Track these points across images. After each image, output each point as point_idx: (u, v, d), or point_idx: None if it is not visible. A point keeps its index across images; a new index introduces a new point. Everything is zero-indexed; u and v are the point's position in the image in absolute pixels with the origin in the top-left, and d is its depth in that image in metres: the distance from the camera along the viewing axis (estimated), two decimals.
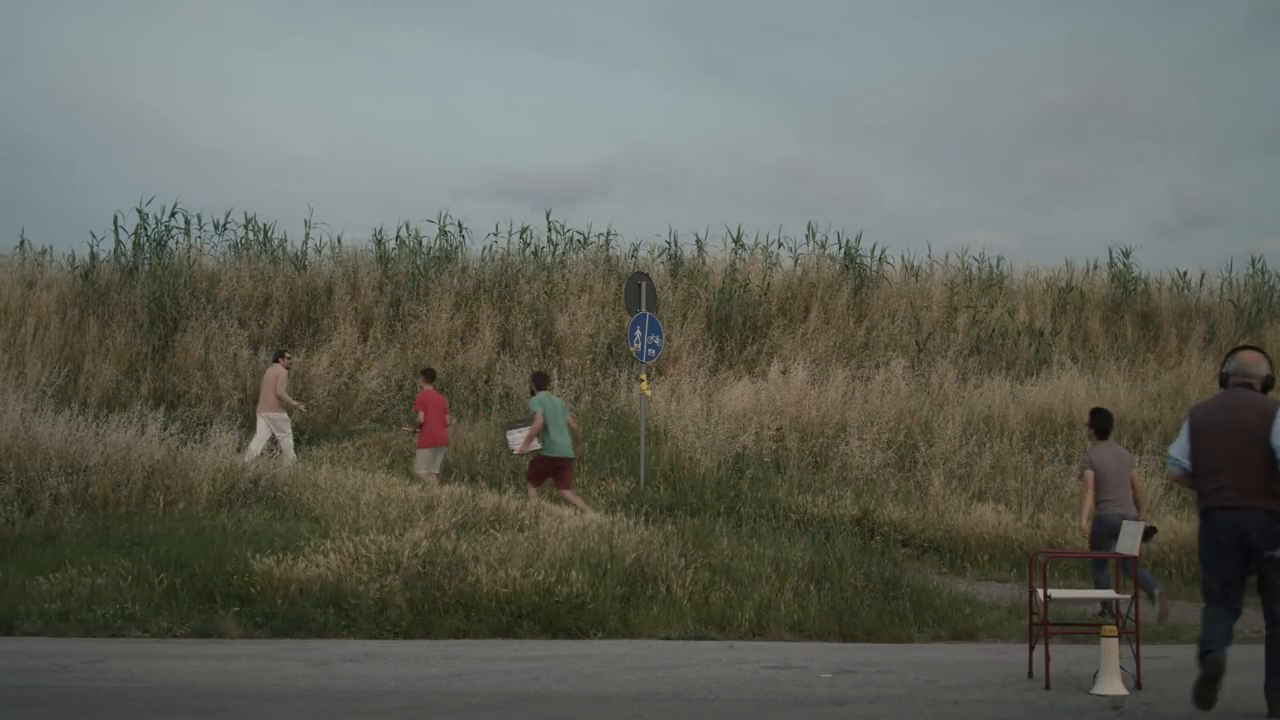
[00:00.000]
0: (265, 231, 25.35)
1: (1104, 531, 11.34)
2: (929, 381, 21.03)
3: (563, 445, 14.93)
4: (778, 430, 18.38)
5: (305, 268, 24.57)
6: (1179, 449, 7.41)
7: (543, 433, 14.86)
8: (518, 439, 15.24)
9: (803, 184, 59.83)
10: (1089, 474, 11.75)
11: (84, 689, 7.76)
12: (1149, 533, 9.26)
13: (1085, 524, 11.89)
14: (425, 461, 16.45)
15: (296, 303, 23.53)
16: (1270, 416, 6.94)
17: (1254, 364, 7.33)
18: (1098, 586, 11.47)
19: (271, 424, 17.30)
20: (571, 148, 60.16)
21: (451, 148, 58.33)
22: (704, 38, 63.02)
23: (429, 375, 17.60)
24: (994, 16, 61.37)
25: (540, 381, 15.75)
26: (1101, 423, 12.18)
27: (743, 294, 24.04)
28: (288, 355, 18.50)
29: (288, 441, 17.28)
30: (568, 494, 14.71)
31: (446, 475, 16.32)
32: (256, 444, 16.86)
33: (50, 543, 12.04)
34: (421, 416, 16.60)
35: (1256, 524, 6.98)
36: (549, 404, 15.10)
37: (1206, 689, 7.15)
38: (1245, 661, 9.50)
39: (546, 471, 14.96)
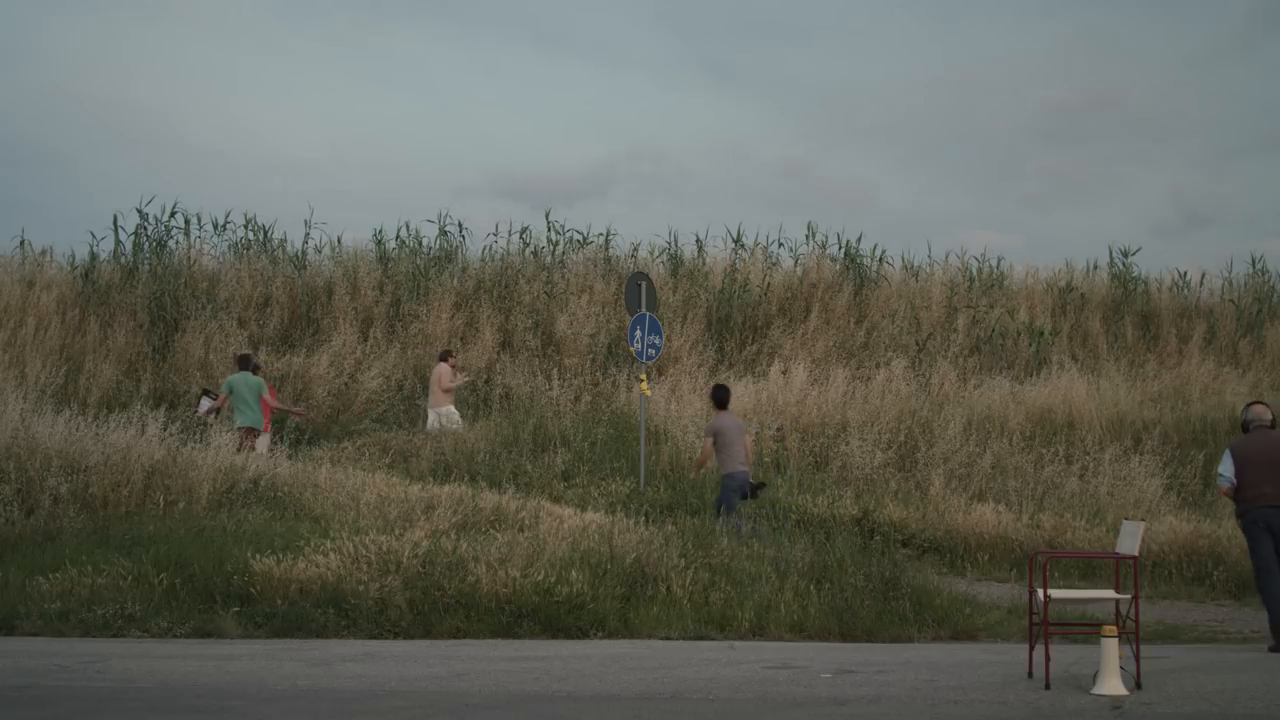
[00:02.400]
0: (265, 232, 25.38)
1: (731, 485, 14.15)
2: (929, 382, 21.03)
3: (252, 418, 17.27)
4: (778, 430, 18.37)
5: (305, 268, 24.57)
6: (1226, 469, 10.29)
7: (237, 407, 17.20)
8: (205, 405, 18.23)
9: (802, 184, 59.90)
10: (709, 440, 14.31)
11: (84, 689, 7.76)
12: (757, 489, 14.18)
13: (694, 473, 15.61)
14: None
15: (296, 303, 23.53)
16: None
17: (1264, 414, 10.48)
18: (726, 515, 13.85)
19: (442, 417, 18.79)
20: (571, 147, 60.24)
21: (451, 148, 58.39)
22: (703, 38, 63.07)
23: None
24: (993, 16, 61.42)
25: (243, 363, 18.01)
26: (720, 396, 14.83)
27: (743, 294, 24.04)
28: (454, 355, 20.34)
29: (458, 422, 18.92)
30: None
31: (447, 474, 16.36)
32: (432, 418, 18.97)
33: (50, 543, 12.03)
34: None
35: None
36: (239, 383, 17.36)
37: None
38: (1245, 661, 9.51)
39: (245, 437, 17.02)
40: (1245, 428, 10.43)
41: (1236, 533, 13.91)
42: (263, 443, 17.35)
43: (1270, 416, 10.41)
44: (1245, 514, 10.15)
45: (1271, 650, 9.84)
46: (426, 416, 19.51)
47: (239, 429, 16.87)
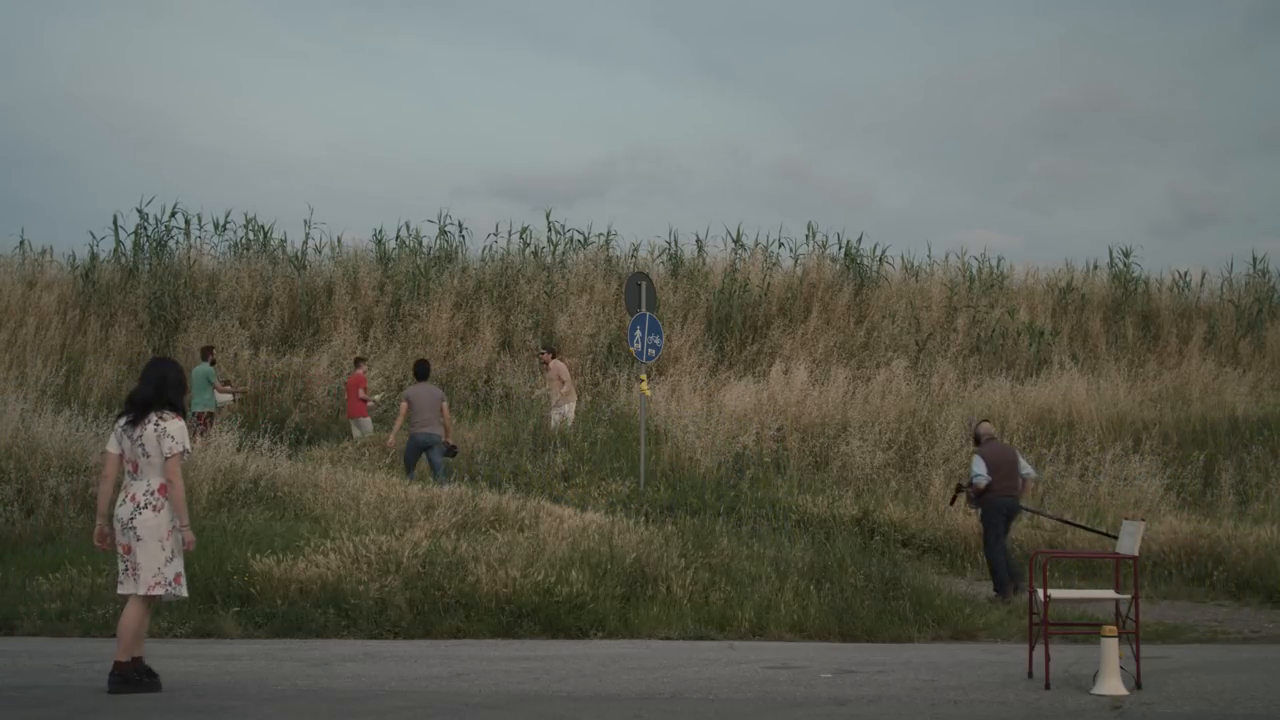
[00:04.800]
0: (265, 232, 25.38)
1: (414, 445, 15.99)
2: (929, 382, 21.03)
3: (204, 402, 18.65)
4: (778, 430, 18.37)
5: (305, 268, 24.58)
6: (980, 469, 12.75)
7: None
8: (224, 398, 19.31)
9: (801, 183, 59.94)
10: (404, 404, 16.18)
11: (84, 689, 7.76)
12: (451, 450, 16.17)
13: (392, 439, 16.82)
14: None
15: (296, 303, 23.54)
16: None
17: (991, 430, 13.46)
18: (410, 473, 15.77)
19: (560, 411, 18.83)
20: (570, 147, 60.28)
21: (451, 148, 58.44)
22: (702, 37, 63.10)
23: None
24: (992, 16, 61.43)
25: (203, 354, 19.51)
26: (420, 370, 16.77)
27: (743, 294, 24.04)
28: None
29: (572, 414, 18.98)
30: None
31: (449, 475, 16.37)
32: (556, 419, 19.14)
33: (50, 543, 12.04)
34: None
35: None
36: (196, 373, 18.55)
37: None
38: (1245, 661, 9.52)
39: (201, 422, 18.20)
40: (978, 440, 13.36)
41: (1237, 533, 13.95)
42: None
43: (994, 431, 13.77)
44: (990, 503, 12.82)
45: (991, 600, 12.18)
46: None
47: (194, 414, 18.10)
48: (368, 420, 19.58)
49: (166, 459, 7.58)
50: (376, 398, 20.15)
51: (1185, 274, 26.75)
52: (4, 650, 9.25)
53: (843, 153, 61.09)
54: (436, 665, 8.85)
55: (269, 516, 12.95)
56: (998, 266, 26.73)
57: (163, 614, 10.30)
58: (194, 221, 25.00)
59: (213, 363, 19.43)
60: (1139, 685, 7.98)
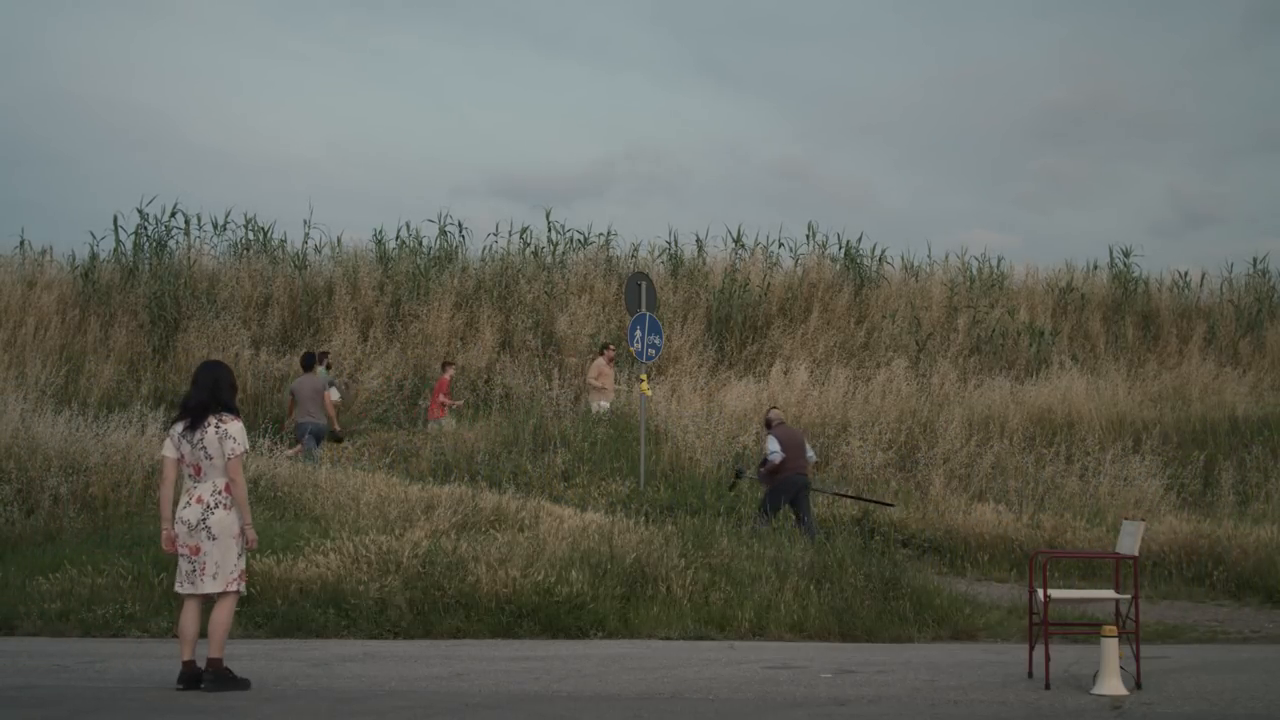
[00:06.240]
0: (265, 232, 25.38)
1: (301, 433, 17.15)
2: (929, 382, 21.03)
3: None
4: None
5: (305, 268, 24.57)
6: (775, 448, 13.98)
7: None
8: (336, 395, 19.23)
9: (800, 183, 59.92)
10: (290, 397, 17.65)
11: (84, 689, 7.76)
12: (336, 437, 17.83)
13: (285, 427, 17.80)
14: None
15: (296, 303, 23.53)
16: None
17: (780, 415, 14.94)
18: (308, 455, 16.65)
19: (599, 407, 18.93)
20: (569, 147, 60.29)
21: (451, 148, 58.43)
22: (701, 38, 63.09)
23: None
24: (991, 16, 61.43)
25: (320, 358, 19.58)
26: (305, 361, 18.05)
27: (743, 294, 24.03)
28: (612, 348, 20.21)
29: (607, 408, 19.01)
30: None
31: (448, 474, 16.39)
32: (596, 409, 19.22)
33: (50, 543, 12.03)
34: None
35: None
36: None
37: None
38: (1245, 661, 9.52)
39: None
40: (769, 425, 14.53)
41: (1237, 533, 13.95)
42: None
43: (783, 416, 15.18)
44: (782, 480, 14.02)
45: (752, 531, 13.18)
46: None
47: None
48: (448, 420, 19.53)
49: (229, 460, 7.74)
50: (459, 403, 20.20)
51: (1185, 274, 26.81)
52: (4, 650, 9.25)
53: (842, 153, 61.14)
54: (436, 665, 8.85)
55: (269, 516, 12.93)
56: (998, 266, 26.77)
57: (162, 614, 10.31)
58: (194, 221, 25.00)
59: (328, 366, 19.94)
60: (1139, 685, 7.98)
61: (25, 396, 15.96)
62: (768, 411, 15.25)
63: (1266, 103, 58.87)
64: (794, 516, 14.16)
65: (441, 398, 19.72)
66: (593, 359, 20.14)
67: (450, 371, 20.28)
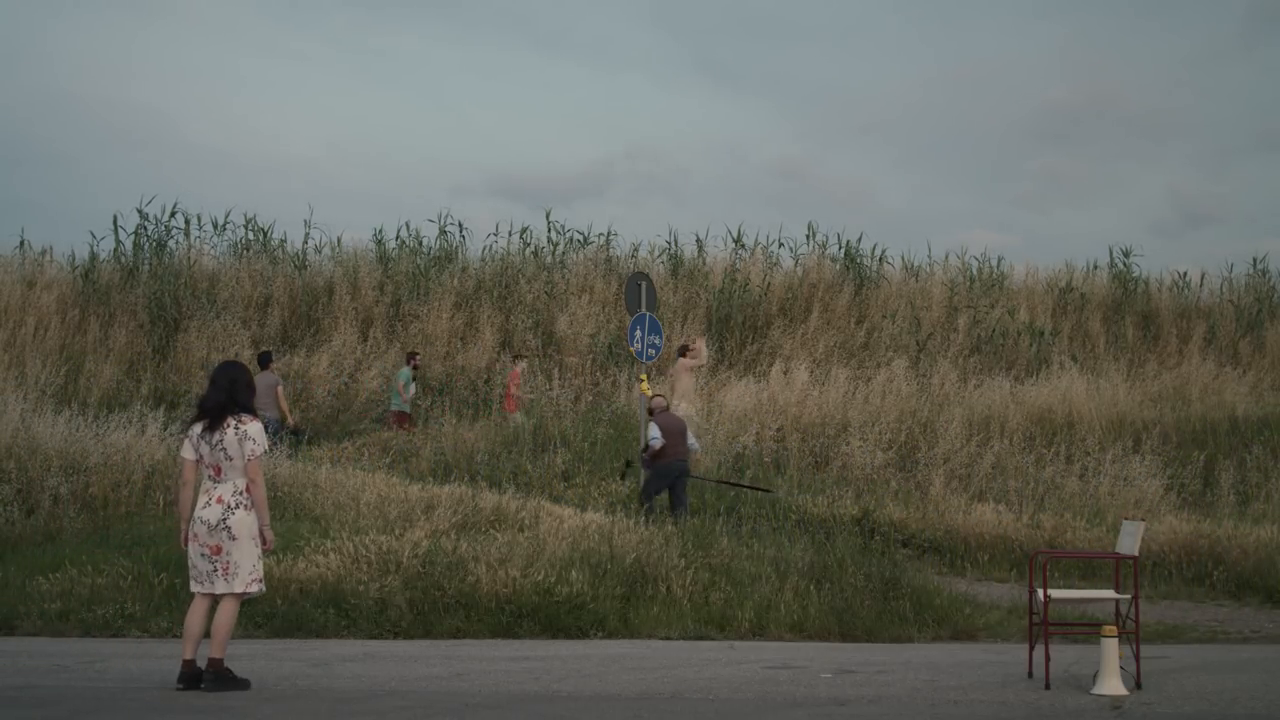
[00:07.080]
0: (265, 232, 25.38)
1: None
2: (929, 382, 21.03)
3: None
4: (779, 430, 18.36)
5: (305, 268, 24.57)
6: (656, 434, 14.30)
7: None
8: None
9: (799, 183, 59.94)
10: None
11: (84, 689, 7.76)
12: (295, 430, 18.23)
13: None
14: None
15: (296, 303, 23.53)
16: None
17: (664, 403, 15.13)
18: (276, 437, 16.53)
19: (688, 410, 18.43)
20: (568, 147, 60.30)
21: (451, 148, 58.45)
22: (699, 38, 63.12)
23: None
24: (990, 16, 61.42)
25: (409, 358, 20.17)
26: (262, 359, 18.68)
27: (743, 294, 24.03)
28: (692, 348, 19.57)
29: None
30: None
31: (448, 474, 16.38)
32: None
33: (50, 543, 12.03)
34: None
35: None
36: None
37: None
38: (1245, 661, 9.51)
39: None
40: (652, 412, 14.89)
41: (1237, 533, 13.95)
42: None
43: (666, 404, 15.39)
44: (663, 465, 14.43)
45: (641, 511, 13.83)
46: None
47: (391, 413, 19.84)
48: (516, 414, 19.52)
49: (249, 460, 7.74)
50: (530, 396, 20.28)
51: (1185, 274, 26.79)
52: (4, 650, 9.25)
53: (841, 153, 61.16)
54: (436, 665, 8.85)
55: (269, 517, 12.93)
56: (998, 266, 26.76)
57: (162, 614, 10.31)
58: (194, 221, 25.01)
59: (415, 366, 20.21)
60: (1139, 685, 7.97)
61: (25, 396, 15.97)
62: (650, 400, 15.47)
63: (1266, 103, 58.93)
64: (669, 499, 14.50)
65: (514, 389, 19.80)
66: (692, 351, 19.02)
67: (522, 365, 20.36)
